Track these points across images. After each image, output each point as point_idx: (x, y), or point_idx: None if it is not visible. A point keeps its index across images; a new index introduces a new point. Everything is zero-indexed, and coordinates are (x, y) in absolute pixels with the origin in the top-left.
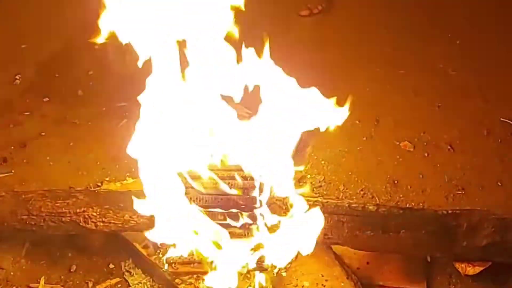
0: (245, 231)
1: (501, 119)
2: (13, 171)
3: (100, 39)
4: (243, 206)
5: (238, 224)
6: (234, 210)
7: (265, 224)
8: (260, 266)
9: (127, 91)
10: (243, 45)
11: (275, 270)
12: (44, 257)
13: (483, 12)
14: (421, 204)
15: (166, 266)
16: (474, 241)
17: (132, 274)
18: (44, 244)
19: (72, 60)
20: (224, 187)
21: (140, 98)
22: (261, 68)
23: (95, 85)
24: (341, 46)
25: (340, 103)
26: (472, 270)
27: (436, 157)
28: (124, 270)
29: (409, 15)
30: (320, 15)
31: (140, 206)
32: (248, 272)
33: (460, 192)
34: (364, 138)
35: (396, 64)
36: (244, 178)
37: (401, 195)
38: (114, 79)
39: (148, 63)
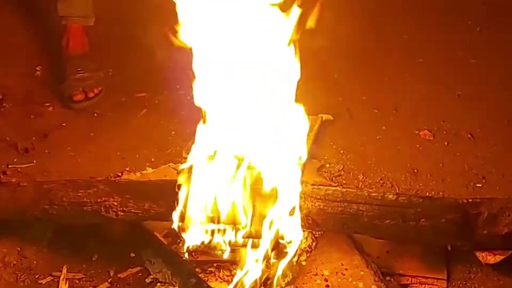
0: None
1: None
2: (34, 161)
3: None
4: None
5: None
6: None
7: None
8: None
9: (147, 81)
10: None
11: (295, 259)
12: (66, 246)
13: None
14: (441, 193)
15: (186, 255)
16: (494, 229)
17: (152, 263)
18: (66, 234)
19: (92, 50)
20: None
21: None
22: None
23: (114, 76)
24: (358, 34)
25: None
26: (492, 258)
27: (456, 145)
28: (144, 259)
29: (428, 3)
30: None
31: None
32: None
33: (480, 180)
34: (383, 127)
35: (415, 53)
36: None
37: (421, 184)
38: (133, 70)
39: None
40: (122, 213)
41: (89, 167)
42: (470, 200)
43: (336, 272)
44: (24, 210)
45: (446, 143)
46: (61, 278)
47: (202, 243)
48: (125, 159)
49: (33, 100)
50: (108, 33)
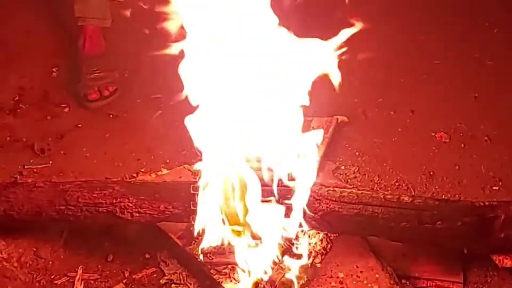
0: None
1: None
2: (50, 162)
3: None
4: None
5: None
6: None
7: None
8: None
9: (162, 83)
10: None
11: (309, 261)
12: (82, 246)
13: None
14: (457, 195)
15: (201, 257)
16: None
17: (167, 264)
18: (81, 234)
19: (108, 52)
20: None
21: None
22: None
23: (130, 77)
24: (373, 36)
25: None
26: (509, 262)
27: (472, 148)
28: (159, 260)
29: (444, 4)
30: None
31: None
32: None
33: (497, 183)
34: (399, 129)
35: (431, 54)
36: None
37: (436, 187)
38: (149, 71)
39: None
40: (137, 214)
41: (105, 168)
42: (487, 203)
43: (351, 275)
44: (40, 210)
45: (462, 145)
46: (77, 278)
47: (217, 244)
48: (140, 160)
49: (49, 101)
50: (125, 35)
